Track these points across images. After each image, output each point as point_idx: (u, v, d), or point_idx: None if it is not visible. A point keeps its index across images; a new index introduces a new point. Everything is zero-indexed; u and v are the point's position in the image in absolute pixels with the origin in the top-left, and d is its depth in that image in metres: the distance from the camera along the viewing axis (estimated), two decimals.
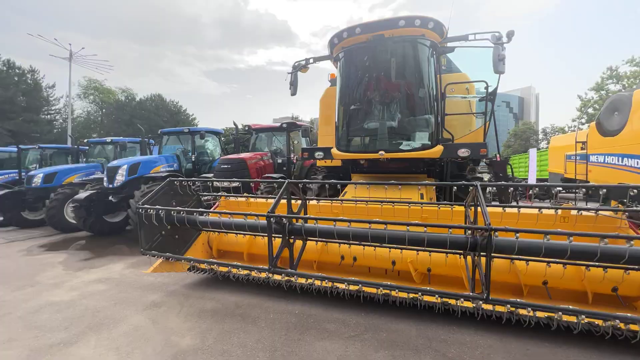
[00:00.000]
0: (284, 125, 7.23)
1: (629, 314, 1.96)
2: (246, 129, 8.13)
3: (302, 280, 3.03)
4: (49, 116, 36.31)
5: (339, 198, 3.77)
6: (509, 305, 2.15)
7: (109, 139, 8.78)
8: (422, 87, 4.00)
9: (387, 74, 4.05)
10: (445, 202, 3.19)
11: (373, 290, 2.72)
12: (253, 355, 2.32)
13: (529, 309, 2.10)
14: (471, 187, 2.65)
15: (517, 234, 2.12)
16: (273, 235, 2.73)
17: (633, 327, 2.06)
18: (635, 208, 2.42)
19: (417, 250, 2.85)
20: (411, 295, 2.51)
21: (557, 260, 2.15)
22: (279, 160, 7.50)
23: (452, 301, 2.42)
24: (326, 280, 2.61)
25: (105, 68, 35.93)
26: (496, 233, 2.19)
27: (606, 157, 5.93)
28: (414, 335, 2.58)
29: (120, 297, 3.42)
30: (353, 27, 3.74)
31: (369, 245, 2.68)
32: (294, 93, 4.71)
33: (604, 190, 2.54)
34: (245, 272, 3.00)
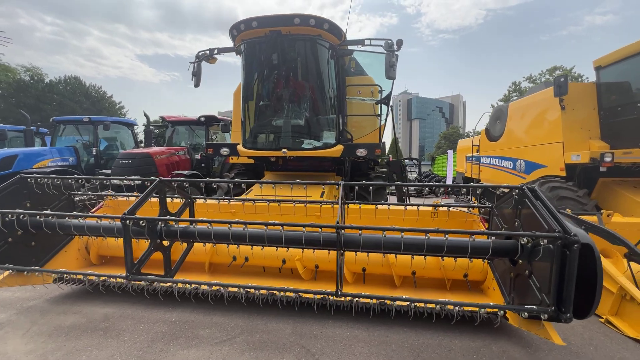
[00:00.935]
0: (202, 119, 6.79)
1: (447, 299, 2.23)
2: (160, 121, 7.45)
3: (181, 286, 2.86)
4: None
5: (241, 197, 3.66)
6: (356, 299, 2.29)
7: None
8: (321, 87, 4.09)
9: (286, 71, 4.05)
10: (328, 200, 3.29)
11: (252, 291, 2.68)
12: None
13: (373, 299, 2.27)
14: (337, 186, 2.75)
15: (361, 231, 2.26)
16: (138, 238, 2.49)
17: (467, 308, 2.38)
18: (481, 204, 2.80)
19: (299, 248, 2.88)
20: (281, 294, 2.52)
21: (395, 251, 2.34)
22: (197, 156, 7.03)
23: (311, 296, 2.50)
24: (192, 284, 2.48)
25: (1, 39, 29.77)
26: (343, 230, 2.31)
27: (491, 159, 6.87)
28: (288, 334, 2.60)
29: None
30: (250, 19, 3.64)
31: (244, 245, 2.62)
32: (196, 84, 4.42)
33: (464, 188, 2.87)
34: (103, 279, 2.70)
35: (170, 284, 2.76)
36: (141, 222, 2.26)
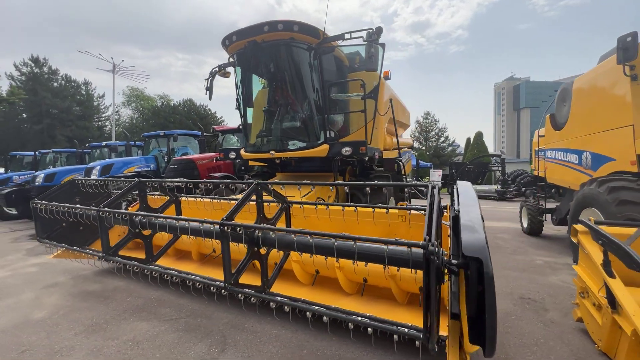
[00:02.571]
0: (240, 127, 7.61)
1: (361, 313, 2.01)
2: (212, 131, 8.69)
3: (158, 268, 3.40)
4: (99, 123, 41.02)
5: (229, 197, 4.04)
6: (280, 298, 2.27)
7: (103, 144, 9.96)
8: (303, 89, 4.12)
9: (270, 78, 4.23)
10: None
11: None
12: (74, 326, 2.73)
13: (288, 301, 2.23)
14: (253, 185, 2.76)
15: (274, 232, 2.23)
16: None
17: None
18: (412, 206, 2.40)
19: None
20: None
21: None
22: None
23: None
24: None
25: (142, 77, 39.71)
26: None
27: (556, 152, 5.40)
28: (222, 323, 2.80)
29: (34, 278, 4.07)
30: (232, 33, 3.99)
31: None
32: (210, 98, 5.07)
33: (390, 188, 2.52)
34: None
35: (148, 265, 3.30)
36: (238, 229, 2.18)
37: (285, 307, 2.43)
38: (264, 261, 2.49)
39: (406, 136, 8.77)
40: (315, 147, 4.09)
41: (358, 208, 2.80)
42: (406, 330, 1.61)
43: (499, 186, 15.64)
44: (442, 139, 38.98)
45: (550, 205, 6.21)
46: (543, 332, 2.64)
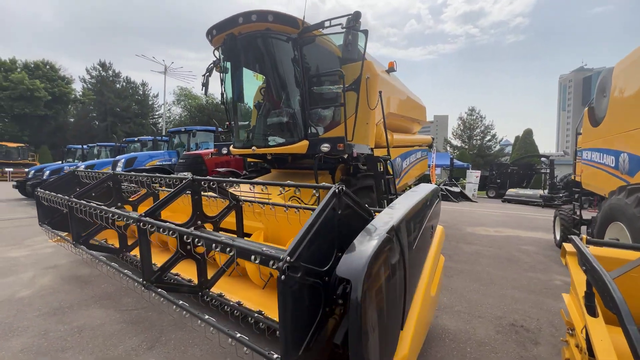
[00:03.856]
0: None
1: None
2: (225, 127, 8.90)
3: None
4: (153, 120, 45.16)
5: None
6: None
7: (136, 139, 10.85)
8: (282, 82, 3.94)
9: (250, 71, 4.12)
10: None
11: None
12: (42, 308, 2.93)
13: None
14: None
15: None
16: None
17: None
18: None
19: None
20: None
21: None
22: None
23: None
24: None
25: (190, 78, 42.73)
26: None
27: (592, 153, 4.49)
28: (169, 319, 2.78)
29: (43, 259, 4.51)
30: (211, 27, 3.94)
31: None
32: (205, 93, 5.14)
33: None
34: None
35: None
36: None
37: (225, 307, 2.33)
38: (200, 261, 2.40)
39: (421, 133, 8.09)
40: (294, 144, 3.90)
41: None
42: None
43: (546, 191, 13.82)
44: (487, 137, 35.84)
45: (589, 215, 5.25)
46: None
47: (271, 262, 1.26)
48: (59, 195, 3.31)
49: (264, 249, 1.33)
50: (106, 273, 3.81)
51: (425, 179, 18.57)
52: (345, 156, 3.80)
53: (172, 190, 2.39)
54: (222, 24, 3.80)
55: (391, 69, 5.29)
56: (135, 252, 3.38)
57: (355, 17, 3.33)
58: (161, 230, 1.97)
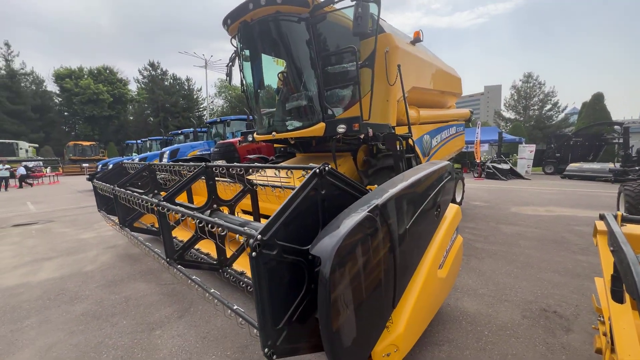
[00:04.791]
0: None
1: None
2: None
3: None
4: (198, 112, 48.23)
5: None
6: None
7: (179, 131, 11.74)
8: (297, 65, 3.90)
9: (268, 57, 4.14)
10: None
11: None
12: (100, 280, 3.45)
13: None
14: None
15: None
16: None
17: None
18: None
19: None
20: None
21: None
22: None
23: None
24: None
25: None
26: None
27: None
28: (195, 293, 3.08)
29: (106, 240, 5.23)
30: (226, 17, 4.01)
31: None
32: (229, 82, 5.35)
33: None
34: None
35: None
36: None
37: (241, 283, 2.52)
38: (217, 240, 2.59)
39: (459, 106, 7.44)
40: (311, 127, 3.90)
41: None
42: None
43: (618, 164, 11.94)
44: (548, 106, 31.75)
45: None
46: None
47: (251, 241, 1.32)
48: (106, 184, 3.76)
49: (245, 228, 1.40)
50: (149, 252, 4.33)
51: (469, 156, 17.25)
52: (362, 136, 3.70)
53: (186, 177, 2.59)
54: (235, 12, 3.85)
55: (417, 39, 4.91)
56: (174, 233, 3.76)
57: None
58: (173, 212, 2.16)
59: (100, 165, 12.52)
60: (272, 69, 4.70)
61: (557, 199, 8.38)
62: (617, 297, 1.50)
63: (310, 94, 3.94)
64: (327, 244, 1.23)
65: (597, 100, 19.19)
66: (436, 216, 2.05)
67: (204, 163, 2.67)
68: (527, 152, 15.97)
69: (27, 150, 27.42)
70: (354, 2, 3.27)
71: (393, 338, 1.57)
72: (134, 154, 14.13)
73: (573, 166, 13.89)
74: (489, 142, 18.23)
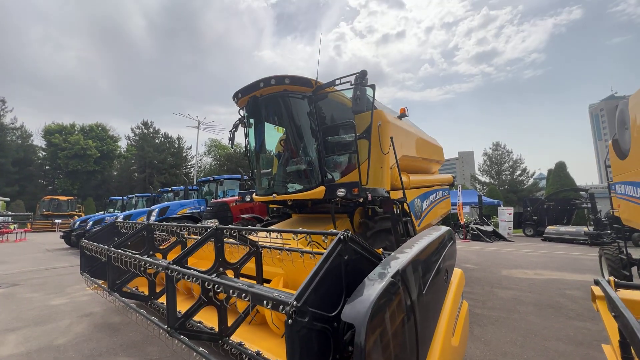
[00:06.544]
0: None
1: None
2: (250, 175, 9.47)
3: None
4: (185, 170, 48.54)
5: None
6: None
7: (169, 189, 11.72)
8: (300, 135, 4.29)
9: (271, 125, 4.55)
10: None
11: None
12: (75, 355, 3.07)
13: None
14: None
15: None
16: None
17: None
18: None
19: None
20: None
21: None
22: None
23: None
24: None
25: (219, 130, 46.80)
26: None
27: (625, 186, 4.24)
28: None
29: (80, 307, 4.77)
30: (237, 92, 4.51)
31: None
32: (232, 146, 5.66)
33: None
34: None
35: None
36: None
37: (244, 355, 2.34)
38: (221, 308, 2.49)
39: (441, 173, 8.06)
40: (311, 190, 4.11)
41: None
42: None
43: (591, 227, 12.66)
44: (518, 172, 34.40)
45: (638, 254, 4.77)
46: None
47: (281, 307, 1.35)
48: (99, 245, 3.63)
49: (275, 294, 1.43)
50: (135, 320, 3.98)
51: (453, 218, 17.81)
52: (361, 200, 3.91)
53: (198, 238, 2.60)
54: (246, 88, 4.35)
55: (402, 115, 5.58)
56: (163, 299, 3.54)
57: (362, 75, 3.71)
58: (186, 277, 2.13)
59: (79, 222, 11.94)
60: (274, 136, 5.10)
61: (543, 262, 8.58)
62: None
63: (311, 160, 4.25)
64: (358, 309, 1.27)
65: (561, 168, 21.17)
66: (445, 281, 2.12)
67: (214, 225, 2.71)
68: (506, 214, 16.72)
69: None
70: (352, 86, 3.80)
71: None
72: (116, 211, 13.67)
73: (551, 229, 14.56)
74: (470, 205, 19.07)
